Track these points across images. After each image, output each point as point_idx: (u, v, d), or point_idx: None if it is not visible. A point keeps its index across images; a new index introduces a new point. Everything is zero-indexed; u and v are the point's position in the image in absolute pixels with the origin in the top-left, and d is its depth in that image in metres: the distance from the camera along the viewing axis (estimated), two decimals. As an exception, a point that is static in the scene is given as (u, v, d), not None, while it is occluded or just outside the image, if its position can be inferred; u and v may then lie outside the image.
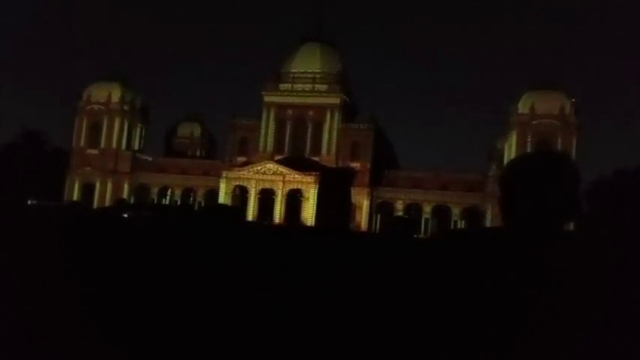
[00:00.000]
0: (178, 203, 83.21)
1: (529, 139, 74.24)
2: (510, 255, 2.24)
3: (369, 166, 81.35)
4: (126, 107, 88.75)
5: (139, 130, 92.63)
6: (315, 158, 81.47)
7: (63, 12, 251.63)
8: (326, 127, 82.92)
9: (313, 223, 70.35)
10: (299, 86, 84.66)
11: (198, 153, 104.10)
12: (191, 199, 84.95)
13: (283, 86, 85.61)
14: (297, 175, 74.24)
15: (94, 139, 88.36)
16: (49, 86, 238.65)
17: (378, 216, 79.44)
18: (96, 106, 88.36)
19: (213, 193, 79.01)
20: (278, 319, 2.99)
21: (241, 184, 76.41)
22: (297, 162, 76.93)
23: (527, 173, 2.35)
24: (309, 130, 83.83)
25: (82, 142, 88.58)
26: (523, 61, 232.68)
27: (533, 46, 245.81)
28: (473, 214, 76.11)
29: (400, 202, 79.36)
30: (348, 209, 78.82)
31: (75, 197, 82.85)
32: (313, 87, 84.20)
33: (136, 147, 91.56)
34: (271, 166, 76.23)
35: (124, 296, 3.54)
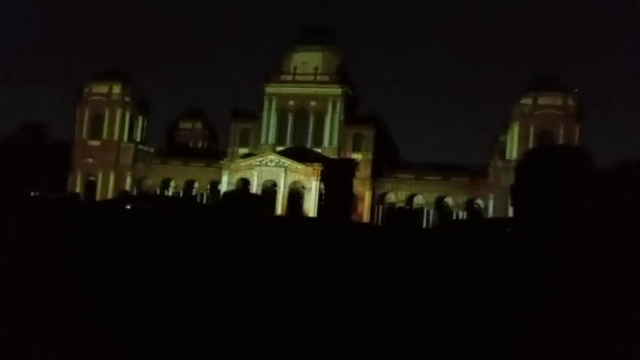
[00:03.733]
0: (180, 195, 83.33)
1: (531, 131, 74.15)
2: (516, 246, 2.27)
3: (370, 157, 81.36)
4: (127, 99, 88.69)
5: (140, 122, 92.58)
6: (317, 149, 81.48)
7: (66, 4, 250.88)
8: (328, 118, 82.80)
9: (315, 215, 70.47)
10: (300, 77, 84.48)
11: (200, 145, 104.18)
12: (193, 190, 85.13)
13: (285, 77, 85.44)
14: (299, 167, 74.32)
15: (95, 131, 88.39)
16: (51, 79, 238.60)
17: (380, 207, 79.56)
18: (97, 98, 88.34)
19: (216, 184, 79.19)
20: (284, 315, 3.02)
21: (244, 175, 76.53)
22: (299, 153, 76.96)
23: (544, 166, 2.36)
24: (311, 121, 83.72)
25: (84, 134, 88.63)
26: (526, 52, 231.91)
27: (536, 37, 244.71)
28: (474, 206, 76.24)
29: (402, 193, 79.43)
30: (350, 200, 78.93)
31: (77, 189, 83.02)
32: (315, 78, 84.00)
33: (138, 139, 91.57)
34: (273, 157, 76.29)
35: (127, 292, 3.56)
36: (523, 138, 72.82)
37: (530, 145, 71.53)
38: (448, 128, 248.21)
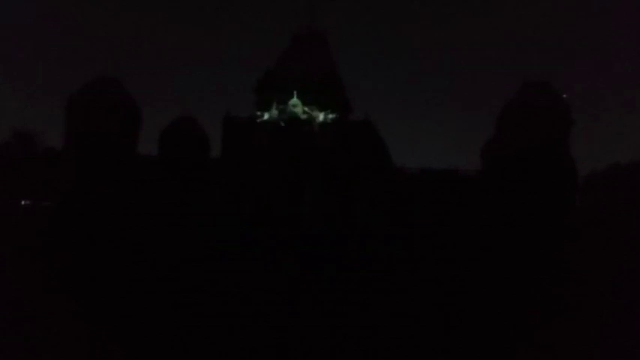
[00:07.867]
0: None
1: (522, 134, 74.31)
2: (510, 244, 2.22)
3: (363, 161, 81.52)
4: (119, 105, 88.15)
5: (132, 128, 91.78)
6: (310, 155, 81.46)
7: (57, 11, 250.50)
8: (319, 123, 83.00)
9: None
10: (292, 83, 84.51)
11: (192, 152, 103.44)
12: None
13: (276, 83, 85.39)
14: (292, 172, 74.64)
15: (86, 138, 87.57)
16: (42, 85, 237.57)
17: (375, 211, 79.60)
18: (88, 105, 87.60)
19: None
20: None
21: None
22: (291, 159, 77.13)
23: (525, 168, 2.31)
24: (303, 126, 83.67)
25: (75, 141, 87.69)
26: (517, 55, 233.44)
27: (528, 40, 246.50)
28: (466, 209, 76.13)
29: (394, 196, 79.44)
30: (344, 204, 79.15)
31: (68, 197, 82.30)
32: (306, 84, 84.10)
33: (130, 146, 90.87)
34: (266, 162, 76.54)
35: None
36: (514, 141, 73.04)
37: (520, 150, 71.95)
38: (441, 131, 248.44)
